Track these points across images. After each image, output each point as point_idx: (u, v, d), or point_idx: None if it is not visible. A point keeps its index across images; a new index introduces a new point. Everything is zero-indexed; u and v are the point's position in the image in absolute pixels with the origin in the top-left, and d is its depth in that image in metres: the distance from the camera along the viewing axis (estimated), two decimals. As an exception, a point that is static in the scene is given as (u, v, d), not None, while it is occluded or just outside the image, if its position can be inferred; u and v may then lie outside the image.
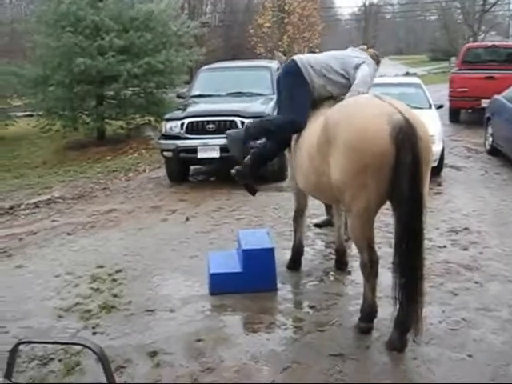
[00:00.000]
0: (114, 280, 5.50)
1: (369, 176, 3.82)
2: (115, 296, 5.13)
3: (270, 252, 4.96)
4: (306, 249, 5.89)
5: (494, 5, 46.05)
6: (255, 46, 32.46)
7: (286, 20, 33.40)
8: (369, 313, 4.38)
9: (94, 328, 4.57)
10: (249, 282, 4.90)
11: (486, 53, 15.88)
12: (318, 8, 36.96)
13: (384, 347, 4.11)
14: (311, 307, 4.77)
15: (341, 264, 5.53)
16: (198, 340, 4.30)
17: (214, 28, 40.85)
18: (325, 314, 4.66)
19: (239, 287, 4.92)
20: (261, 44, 32.44)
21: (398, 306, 4.01)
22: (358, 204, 3.98)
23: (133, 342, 4.34)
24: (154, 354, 4.14)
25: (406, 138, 3.71)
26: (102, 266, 5.84)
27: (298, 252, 5.60)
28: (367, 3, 50.89)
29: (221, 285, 4.96)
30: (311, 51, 30.33)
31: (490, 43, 18.14)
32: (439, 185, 8.76)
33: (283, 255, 5.77)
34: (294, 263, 5.56)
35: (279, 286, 5.11)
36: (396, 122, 3.76)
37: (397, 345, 4.04)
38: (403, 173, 3.71)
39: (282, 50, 32.01)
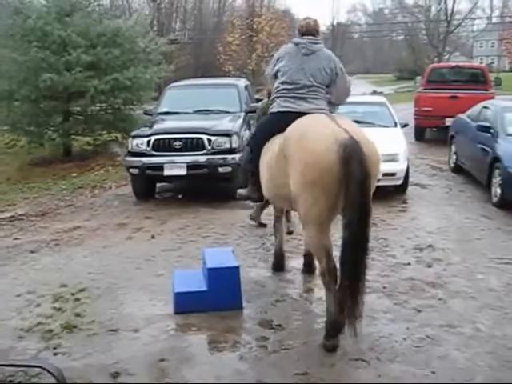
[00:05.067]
0: (77, 299, 5.39)
1: (319, 190, 4.15)
2: (78, 315, 5.04)
3: (235, 270, 4.93)
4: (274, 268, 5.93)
5: (457, 26, 47.27)
6: (224, 63, 32.66)
7: (254, 38, 33.74)
8: (333, 328, 4.37)
9: (55, 348, 4.48)
10: (214, 300, 4.86)
11: (450, 73, 16.22)
12: (286, 27, 37.41)
13: (349, 365, 4.11)
14: (277, 326, 4.75)
15: (309, 267, 5.76)
16: (162, 360, 4.24)
17: (184, 45, 40.91)
18: (290, 332, 4.65)
19: (204, 306, 4.88)
20: (229, 62, 32.69)
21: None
22: (311, 215, 4.31)
23: (95, 362, 4.26)
24: (116, 374, 4.07)
25: (353, 155, 4.01)
26: (65, 285, 5.73)
27: (278, 257, 5.87)
28: (335, 23, 51.63)
29: (185, 304, 4.91)
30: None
31: (453, 63, 18.58)
32: (404, 202, 8.86)
33: (248, 273, 5.76)
34: (277, 266, 5.87)
35: (244, 304, 5.08)
36: (342, 141, 4.06)
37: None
38: (353, 186, 4.01)
39: (250, 68, 32.36)
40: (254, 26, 33.93)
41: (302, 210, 4.37)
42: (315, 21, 5.18)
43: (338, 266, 4.28)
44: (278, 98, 5.00)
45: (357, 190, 4.02)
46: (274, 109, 5.04)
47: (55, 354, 4.37)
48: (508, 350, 4.33)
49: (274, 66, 5.09)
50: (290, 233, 7.10)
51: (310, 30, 5.06)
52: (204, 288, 4.97)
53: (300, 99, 4.86)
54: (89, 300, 5.37)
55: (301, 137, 4.36)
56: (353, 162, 4.01)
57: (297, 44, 5.00)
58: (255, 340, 4.52)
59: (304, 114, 4.70)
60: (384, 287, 5.55)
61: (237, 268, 4.98)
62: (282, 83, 4.96)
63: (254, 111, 9.64)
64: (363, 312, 4.20)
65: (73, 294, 5.50)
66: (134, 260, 6.42)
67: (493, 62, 56.58)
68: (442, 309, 5.08)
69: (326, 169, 4.09)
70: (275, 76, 5.08)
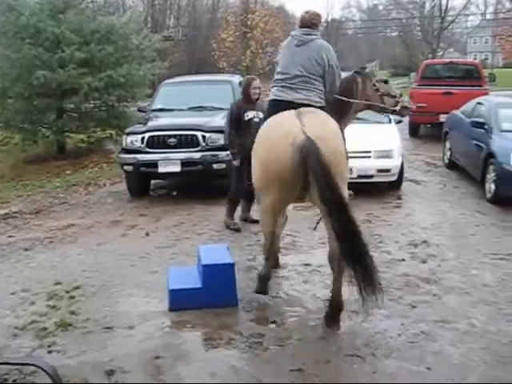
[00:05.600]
0: (72, 297, 5.38)
1: (274, 185, 4.51)
2: (72, 313, 5.02)
3: (230, 267, 4.93)
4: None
5: (451, 23, 47.28)
6: (218, 60, 32.59)
7: (248, 35, 33.68)
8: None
9: (49, 346, 4.46)
10: (209, 297, 4.86)
11: (444, 69, 16.26)
12: (280, 23, 37.36)
13: (344, 361, 4.12)
14: (271, 322, 4.75)
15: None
16: (157, 357, 4.23)
17: (178, 42, 40.83)
18: (285, 329, 4.65)
19: (199, 303, 4.87)
20: (224, 58, 32.61)
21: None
22: (264, 204, 4.74)
23: (90, 360, 4.25)
24: (111, 372, 4.06)
25: (310, 154, 4.25)
26: (59, 283, 5.71)
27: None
28: (329, 19, 51.59)
29: (180, 301, 4.91)
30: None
31: (447, 60, 18.58)
32: (399, 198, 8.87)
33: (243, 270, 5.75)
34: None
35: (239, 301, 5.08)
36: (299, 143, 4.30)
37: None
38: (317, 183, 4.26)
39: (244, 64, 32.30)
40: (248, 23, 33.84)
41: (258, 199, 4.89)
42: (312, 14, 5.25)
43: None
44: (273, 87, 5.19)
45: (322, 186, 4.23)
46: (269, 97, 5.25)
47: (50, 352, 4.36)
48: (502, 346, 4.34)
49: (279, 60, 5.28)
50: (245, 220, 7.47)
51: (305, 22, 5.16)
52: (199, 285, 4.96)
53: (290, 89, 4.99)
54: (83, 298, 5.36)
55: (263, 135, 4.73)
56: (309, 161, 4.25)
57: (292, 36, 5.18)
58: (250, 337, 4.51)
59: (292, 103, 4.88)
60: (379, 283, 5.53)
61: (232, 265, 4.98)
62: (277, 73, 5.16)
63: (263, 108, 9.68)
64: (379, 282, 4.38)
65: (67, 292, 5.48)
66: (129, 257, 6.41)
67: (487, 58, 56.65)
68: (436, 304, 5.09)
69: (281, 171, 4.39)
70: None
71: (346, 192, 4.57)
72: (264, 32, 33.70)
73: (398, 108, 6.00)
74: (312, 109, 4.87)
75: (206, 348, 4.39)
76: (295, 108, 4.77)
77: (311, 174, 4.27)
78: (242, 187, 7.24)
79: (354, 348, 4.27)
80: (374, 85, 5.79)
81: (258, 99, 7.37)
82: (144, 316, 4.91)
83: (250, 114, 7.18)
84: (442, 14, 45.25)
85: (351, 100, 5.46)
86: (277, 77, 5.14)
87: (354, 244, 4.29)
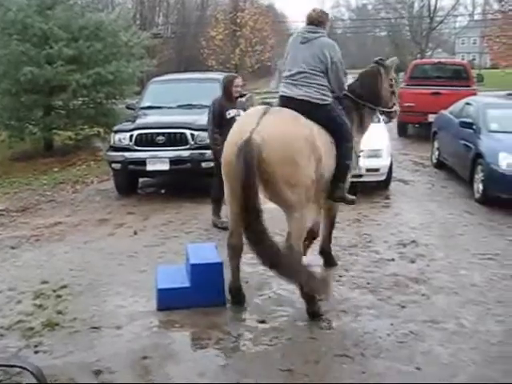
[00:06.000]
0: (59, 296, 5.32)
1: (225, 180, 4.74)
2: (59, 313, 4.97)
3: (218, 266, 4.89)
4: (255, 263, 5.90)
5: (440, 23, 47.54)
6: (207, 58, 32.50)
7: (238, 33, 33.60)
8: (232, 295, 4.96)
9: (36, 346, 4.41)
10: (197, 296, 4.82)
11: (432, 69, 16.31)
12: (269, 22, 37.34)
13: (333, 361, 4.10)
14: (260, 322, 4.72)
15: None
16: (145, 357, 4.20)
17: (167, 39, 40.68)
18: (274, 328, 4.62)
19: (187, 302, 4.84)
20: (213, 56, 32.52)
21: None
22: (225, 197, 4.91)
23: (77, 360, 4.20)
24: (98, 372, 4.02)
25: (240, 155, 4.35)
26: (46, 282, 5.65)
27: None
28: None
29: (168, 300, 4.87)
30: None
31: (436, 60, 18.65)
32: (387, 198, 8.88)
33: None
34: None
35: (228, 300, 5.04)
36: (241, 142, 4.39)
37: None
38: (235, 183, 4.43)
39: (233, 62, 32.23)
40: (238, 21, 33.75)
41: None
42: (319, 12, 5.32)
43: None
44: (281, 84, 5.34)
45: (238, 186, 4.37)
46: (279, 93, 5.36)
47: (36, 353, 4.31)
48: (491, 346, 4.35)
49: (284, 59, 5.33)
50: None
51: (311, 20, 5.19)
52: (187, 284, 4.92)
53: (292, 85, 5.04)
54: (70, 297, 5.31)
55: (231, 131, 4.83)
56: (238, 162, 4.36)
57: (297, 34, 5.30)
58: (239, 336, 4.49)
59: (293, 98, 4.96)
60: (368, 283, 5.54)
61: (220, 264, 4.94)
62: (284, 71, 5.25)
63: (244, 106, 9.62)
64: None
65: (54, 291, 5.43)
66: (116, 256, 6.36)
67: (474, 59, 56.95)
68: (425, 304, 5.09)
69: (226, 168, 4.66)
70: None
71: (295, 197, 4.57)
72: (253, 30, 33.63)
73: (395, 109, 6.10)
74: (281, 109, 4.95)
75: (195, 348, 4.37)
76: (297, 104, 4.89)
77: (235, 174, 4.41)
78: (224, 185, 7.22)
79: (343, 348, 4.26)
80: (391, 80, 5.87)
81: (238, 97, 7.35)
82: (132, 315, 4.87)
83: (231, 112, 7.15)
84: (431, 15, 45.51)
85: (361, 102, 5.59)
86: (283, 74, 5.24)
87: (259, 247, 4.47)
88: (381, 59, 5.94)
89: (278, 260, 4.43)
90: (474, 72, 18.24)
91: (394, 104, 6.04)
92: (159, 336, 4.53)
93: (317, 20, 5.18)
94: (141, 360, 4.16)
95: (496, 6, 28.32)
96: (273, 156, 4.40)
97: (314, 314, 4.77)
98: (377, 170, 8.82)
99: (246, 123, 4.66)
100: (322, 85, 5.01)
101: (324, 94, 5.02)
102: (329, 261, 5.97)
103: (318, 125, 4.92)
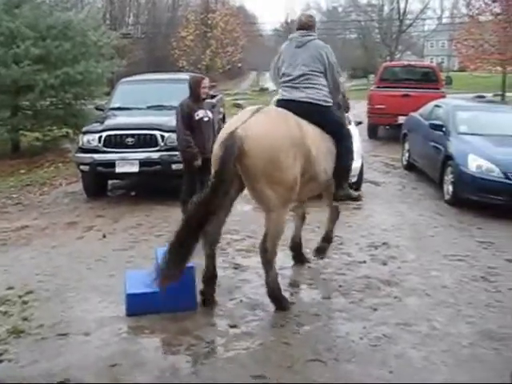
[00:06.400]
0: (25, 302, 5.16)
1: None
2: (25, 319, 4.81)
3: (188, 270, 4.79)
4: (226, 267, 5.84)
5: (409, 26, 48.14)
6: (178, 59, 32.29)
7: (209, 34, 33.49)
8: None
9: (1, 355, 4.25)
10: (167, 301, 4.73)
11: (402, 71, 16.46)
12: (240, 23, 37.31)
13: (306, 366, 4.05)
14: (232, 327, 4.64)
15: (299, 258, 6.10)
16: (113, 365, 4.08)
17: (137, 40, 40.34)
18: (246, 333, 4.55)
19: (157, 307, 4.75)
20: (183, 57, 32.32)
21: None
22: None
23: (43, 369, 4.06)
24: (65, 381, 3.89)
25: (223, 146, 4.47)
26: (11, 288, 5.48)
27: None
28: (289, 20, 51.70)
29: (138, 305, 4.76)
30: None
31: (406, 62, 18.83)
32: (359, 200, 8.83)
33: (202, 274, 5.63)
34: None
35: (199, 304, 4.96)
36: (225, 137, 4.52)
37: None
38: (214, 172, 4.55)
39: (204, 63, 32.09)
40: (209, 22, 33.61)
41: None
42: (308, 16, 5.63)
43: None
44: (280, 88, 5.42)
45: (215, 175, 4.46)
46: (277, 97, 5.52)
47: (1, 361, 4.16)
48: (462, 348, 4.36)
49: (276, 63, 5.48)
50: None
51: (301, 24, 5.42)
52: (157, 289, 4.81)
53: (293, 88, 5.21)
54: (37, 303, 5.15)
55: (221, 130, 4.89)
56: (222, 154, 4.42)
57: (290, 39, 5.44)
58: (210, 342, 4.41)
59: (293, 101, 5.12)
60: (340, 286, 5.52)
61: (190, 268, 4.84)
62: (282, 76, 5.36)
63: (211, 107, 9.50)
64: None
65: (20, 297, 5.26)
66: (85, 260, 6.21)
67: (443, 62, 57.79)
68: (397, 307, 5.08)
69: (214, 162, 4.67)
70: (278, 72, 5.46)
71: (273, 196, 4.61)
72: (224, 31, 33.55)
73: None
74: (274, 108, 5.12)
75: (165, 354, 4.27)
76: (298, 106, 5.04)
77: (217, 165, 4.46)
78: (194, 189, 7.14)
79: (316, 353, 4.21)
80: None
81: (205, 98, 7.30)
82: (100, 321, 4.75)
83: (199, 114, 7.08)
84: (401, 18, 46.00)
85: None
86: (282, 79, 5.35)
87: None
88: None
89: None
90: (442, 74, 18.47)
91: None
92: (128, 342, 4.42)
93: (307, 24, 5.42)
94: (109, 368, 4.05)
95: (464, 10, 28.77)
96: (254, 150, 4.45)
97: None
98: (348, 171, 8.81)
99: (236, 120, 4.74)
100: (324, 85, 5.23)
101: (326, 96, 5.23)
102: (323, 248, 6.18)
103: (314, 126, 5.07)
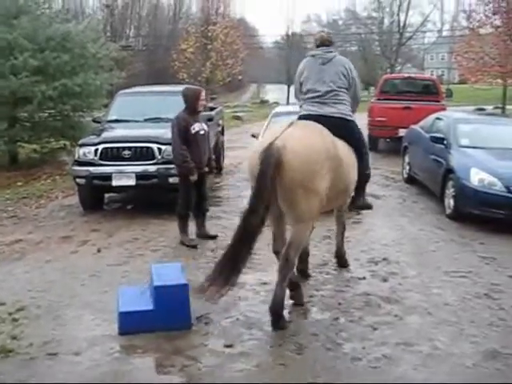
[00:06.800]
0: (15, 319, 5.01)
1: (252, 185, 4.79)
2: (14, 338, 4.66)
3: (183, 288, 4.66)
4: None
5: (409, 39, 48.23)
6: (178, 71, 32.29)
7: (209, 46, 33.51)
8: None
9: (-13, 375, 4.12)
10: (161, 320, 4.59)
11: (402, 84, 16.39)
12: (241, 35, 37.36)
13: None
14: (227, 346, 4.50)
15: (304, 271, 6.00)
16: (104, 386, 3.95)
17: (137, 52, 40.39)
18: (242, 353, 4.40)
19: (151, 326, 4.60)
20: (184, 69, 32.31)
21: None
22: None
23: (31, 390, 3.93)
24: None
25: (263, 159, 4.52)
26: (2, 304, 5.34)
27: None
28: (290, 32, 51.83)
29: (131, 324, 4.62)
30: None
31: (406, 74, 18.80)
32: (358, 213, 8.73)
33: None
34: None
35: (193, 323, 4.83)
36: (264, 148, 4.59)
37: None
38: (255, 181, 4.61)
39: (204, 76, 32.07)
40: (209, 34, 33.67)
41: None
42: (327, 32, 5.99)
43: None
44: (304, 104, 5.55)
45: (256, 186, 4.57)
46: (302, 113, 5.55)
47: (-14, 382, 4.02)
48: (466, 369, 4.21)
49: (299, 79, 5.64)
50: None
51: (323, 41, 5.65)
52: (150, 307, 4.68)
53: (323, 104, 5.39)
54: (27, 320, 5.00)
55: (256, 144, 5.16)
56: (261, 165, 4.51)
57: (313, 56, 5.60)
58: (204, 363, 4.26)
59: (324, 116, 5.25)
60: (339, 303, 5.38)
61: (185, 285, 4.71)
62: (307, 92, 5.50)
63: (209, 119, 9.40)
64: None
65: (10, 314, 5.12)
66: (78, 276, 6.08)
67: (443, 74, 57.89)
68: (398, 326, 4.93)
69: (249, 170, 4.85)
70: (300, 88, 5.65)
71: (307, 208, 4.71)
72: (224, 44, 33.58)
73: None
74: (309, 122, 5.15)
75: (158, 375, 4.12)
76: (327, 120, 5.18)
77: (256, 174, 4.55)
78: (190, 202, 7.03)
79: (314, 375, 4.06)
80: None
81: (200, 111, 7.23)
82: (92, 340, 4.60)
83: (196, 127, 6.99)
84: (400, 30, 46.10)
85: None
86: (307, 96, 5.49)
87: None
88: None
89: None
90: (443, 87, 18.41)
91: None
92: (120, 362, 4.28)
93: (328, 41, 5.68)
94: (100, 390, 3.92)
95: (464, 23, 28.79)
96: (293, 162, 4.53)
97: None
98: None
99: (271, 133, 4.88)
100: (348, 100, 5.49)
101: (350, 110, 5.51)
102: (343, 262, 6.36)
103: (340, 139, 5.23)
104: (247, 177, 5.08)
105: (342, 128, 5.24)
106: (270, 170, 4.47)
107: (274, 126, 5.25)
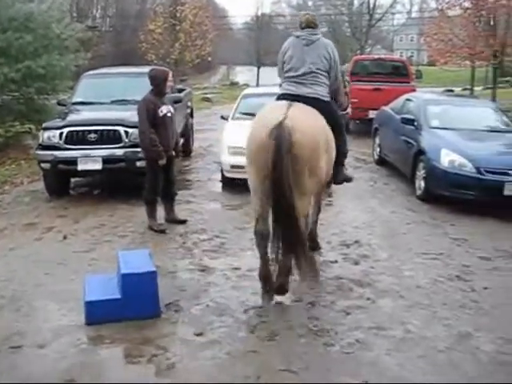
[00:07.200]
0: (-23, 311, 4.84)
1: (252, 165, 4.96)
2: (-25, 330, 4.49)
3: (151, 275, 4.53)
4: (192, 269, 5.61)
5: (379, 20, 48.19)
6: (146, 52, 31.73)
7: (177, 27, 32.94)
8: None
9: None
10: (129, 308, 4.46)
11: (372, 65, 16.32)
12: (210, 16, 36.84)
13: (276, 376, 3.83)
14: (198, 334, 4.39)
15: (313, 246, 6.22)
16: (71, 379, 3.81)
17: (104, 33, 39.58)
18: (212, 341, 4.30)
19: (119, 315, 4.47)
20: (152, 50, 31.74)
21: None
22: (249, 182, 5.08)
23: (-7, 385, 3.77)
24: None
25: (275, 138, 4.61)
26: (-37, 295, 5.15)
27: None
28: (259, 13, 51.36)
29: (98, 313, 4.48)
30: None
31: (376, 56, 18.75)
32: (330, 196, 8.69)
33: (167, 276, 5.39)
34: None
35: (163, 311, 4.70)
36: (274, 124, 4.67)
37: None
38: (269, 162, 4.63)
39: (173, 57, 31.59)
40: (178, 15, 33.07)
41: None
42: (312, 15, 5.89)
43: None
44: (283, 83, 5.62)
45: (271, 166, 4.60)
46: (280, 91, 5.65)
47: None
48: (439, 353, 4.19)
49: (282, 58, 5.67)
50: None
51: (308, 23, 5.68)
52: (118, 296, 4.53)
53: (300, 84, 5.44)
54: (-11, 312, 4.83)
55: (257, 118, 5.16)
56: (271, 141, 4.61)
57: (298, 36, 5.63)
58: (174, 352, 4.15)
59: (301, 96, 5.32)
60: (311, 288, 5.30)
61: (153, 273, 4.58)
62: (287, 71, 5.57)
63: (177, 101, 9.19)
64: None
65: (-29, 305, 4.94)
66: (43, 264, 5.87)
67: (412, 56, 58.15)
68: (370, 309, 4.90)
69: (255, 152, 4.84)
70: (282, 66, 5.67)
71: (310, 186, 4.97)
72: (193, 24, 33.03)
73: (348, 110, 6.92)
74: (303, 105, 5.21)
75: (126, 366, 4.00)
76: (305, 101, 5.24)
77: (270, 154, 4.59)
78: (158, 187, 6.88)
79: (286, 362, 3.98)
80: (344, 82, 6.66)
81: (166, 93, 7.08)
82: (58, 331, 4.44)
83: (163, 110, 6.83)
84: (370, 12, 46.06)
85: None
86: (287, 74, 5.57)
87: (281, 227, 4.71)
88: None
89: (302, 249, 4.75)
90: (412, 68, 18.42)
91: (347, 106, 6.71)
92: (87, 354, 4.14)
93: (313, 23, 5.71)
94: (66, 383, 3.77)
95: (433, 5, 28.83)
96: (302, 141, 4.68)
97: (280, 288, 5.00)
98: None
99: (273, 112, 4.93)
100: (326, 83, 5.54)
101: (328, 92, 5.57)
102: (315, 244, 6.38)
103: None
104: (248, 156, 5.00)
105: (318, 108, 5.31)
106: (285, 147, 4.59)
107: (272, 106, 5.27)
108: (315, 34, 5.62)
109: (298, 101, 5.21)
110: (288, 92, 5.47)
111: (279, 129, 4.63)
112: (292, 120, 4.72)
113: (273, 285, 5.02)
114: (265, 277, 5.07)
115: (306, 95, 5.36)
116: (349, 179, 6.26)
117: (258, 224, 5.03)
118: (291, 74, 5.52)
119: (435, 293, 5.26)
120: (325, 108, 5.42)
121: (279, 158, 4.58)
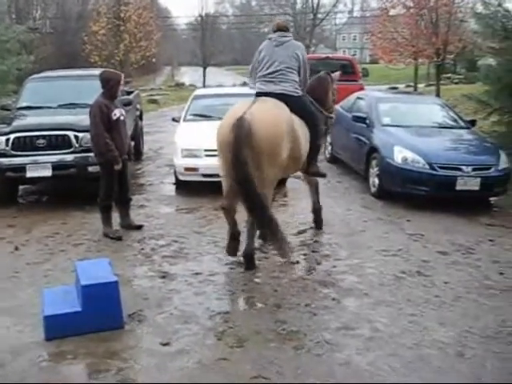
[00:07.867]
0: None
1: (220, 155, 5.55)
2: None
3: (112, 285, 4.37)
4: (153, 276, 5.46)
5: (322, 20, 48.73)
6: (90, 54, 31.07)
7: (121, 28, 32.38)
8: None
9: None
10: (91, 321, 4.28)
11: (320, 64, 16.36)
12: (154, 17, 36.41)
13: (247, 384, 3.75)
14: (164, 344, 4.25)
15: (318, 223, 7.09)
16: (32, 400, 3.62)
17: (45, 35, 38.49)
18: (179, 350, 4.18)
19: (80, 328, 4.29)
20: (95, 52, 31.12)
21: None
22: (219, 168, 5.64)
23: None
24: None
25: (235, 130, 5.13)
26: None
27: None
28: (203, 13, 51.09)
29: (58, 328, 4.28)
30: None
31: (324, 55, 18.84)
32: (285, 196, 8.66)
33: (128, 285, 5.23)
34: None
35: (126, 322, 4.54)
36: (234, 121, 5.19)
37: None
38: (230, 155, 5.17)
39: (118, 58, 31.05)
40: (121, 15, 32.53)
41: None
42: (284, 21, 6.84)
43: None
44: (257, 82, 6.07)
45: (232, 157, 5.12)
46: (255, 90, 6.08)
47: None
48: (408, 350, 4.20)
49: (257, 59, 6.10)
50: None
51: (280, 27, 6.18)
52: (78, 308, 4.35)
53: (270, 82, 5.92)
54: None
55: (226, 114, 5.60)
56: (230, 135, 5.14)
57: (270, 39, 6.14)
58: (141, 364, 4.00)
59: (271, 93, 5.81)
60: (275, 290, 5.25)
61: (115, 283, 4.42)
62: (260, 70, 6.03)
63: (127, 104, 8.98)
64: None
65: None
66: (-5, 277, 5.61)
67: (355, 54, 59.08)
68: (336, 309, 4.87)
69: (221, 144, 5.39)
70: (256, 66, 6.13)
71: (271, 174, 5.41)
72: (138, 25, 32.55)
73: (332, 116, 7.29)
74: (269, 99, 5.73)
75: (91, 381, 3.83)
76: (275, 97, 5.73)
77: (229, 146, 5.11)
78: (112, 192, 6.70)
79: (257, 368, 3.90)
80: (334, 90, 7.13)
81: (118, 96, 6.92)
82: (16, 349, 4.19)
83: (117, 113, 6.65)
84: (314, 12, 46.51)
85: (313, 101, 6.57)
86: (260, 73, 6.01)
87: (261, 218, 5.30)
88: (331, 71, 7.25)
89: (270, 222, 5.25)
90: (359, 66, 18.65)
91: (332, 112, 7.18)
92: (49, 372, 3.92)
93: (284, 27, 6.24)
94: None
95: (374, 4, 29.34)
96: (261, 132, 5.16)
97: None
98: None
99: (239, 108, 5.42)
100: (295, 80, 5.95)
101: (296, 88, 5.97)
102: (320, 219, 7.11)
103: (293, 113, 5.80)
104: (217, 147, 5.51)
105: (287, 103, 5.72)
106: (244, 139, 5.07)
107: (239, 103, 5.69)
108: (285, 37, 6.08)
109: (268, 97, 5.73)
110: (259, 90, 5.96)
111: (239, 122, 5.12)
112: (252, 114, 5.22)
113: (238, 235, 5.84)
114: (233, 233, 5.82)
115: (274, 92, 5.81)
116: (322, 175, 6.70)
117: (224, 200, 5.65)
118: (262, 73, 5.99)
119: (398, 289, 5.30)
120: (296, 102, 5.86)
121: (238, 148, 5.06)
